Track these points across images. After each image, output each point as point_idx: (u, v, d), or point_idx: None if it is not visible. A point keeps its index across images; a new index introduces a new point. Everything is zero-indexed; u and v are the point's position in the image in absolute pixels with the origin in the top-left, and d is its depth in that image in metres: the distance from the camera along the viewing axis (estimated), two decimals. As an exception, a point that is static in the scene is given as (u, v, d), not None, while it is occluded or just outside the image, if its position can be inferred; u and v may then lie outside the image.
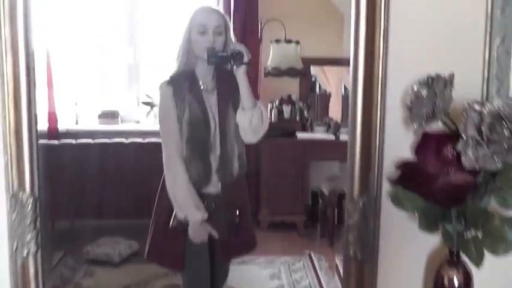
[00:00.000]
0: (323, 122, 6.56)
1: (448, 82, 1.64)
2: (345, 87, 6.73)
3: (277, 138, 5.83)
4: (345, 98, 6.80)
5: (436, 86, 1.63)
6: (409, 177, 1.71)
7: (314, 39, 6.31)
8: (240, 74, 2.76)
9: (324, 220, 6.03)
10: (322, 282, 4.99)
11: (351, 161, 1.86)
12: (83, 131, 5.48)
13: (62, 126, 5.45)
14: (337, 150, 6.12)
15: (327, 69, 6.85)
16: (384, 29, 1.80)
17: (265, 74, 6.03)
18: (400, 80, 1.85)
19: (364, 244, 1.87)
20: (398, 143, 1.87)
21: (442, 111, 1.63)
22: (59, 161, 4.70)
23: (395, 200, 1.76)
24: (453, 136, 1.65)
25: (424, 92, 1.66)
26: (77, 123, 5.77)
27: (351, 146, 1.84)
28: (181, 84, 2.87)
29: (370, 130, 1.81)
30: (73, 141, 4.82)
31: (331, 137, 6.23)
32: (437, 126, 1.72)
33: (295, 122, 6.43)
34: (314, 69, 6.73)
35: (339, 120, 6.60)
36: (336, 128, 6.37)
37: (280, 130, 6.03)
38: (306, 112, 6.48)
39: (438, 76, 1.67)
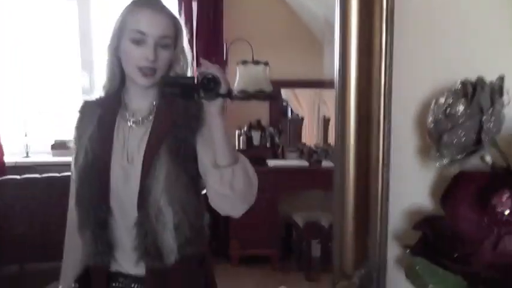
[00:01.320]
0: (296, 148, 5.97)
1: (496, 90, 0.96)
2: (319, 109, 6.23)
3: (247, 166, 5.20)
4: (323, 121, 6.27)
5: (482, 98, 0.94)
6: (435, 242, 1.02)
7: (284, 61, 5.71)
8: (214, 111, 1.63)
9: (300, 253, 5.46)
10: (301, 325, 4.34)
11: (339, 215, 1.13)
12: (34, 163, 4.82)
13: (10, 159, 4.88)
14: (311, 178, 5.61)
15: (299, 92, 6.28)
16: (387, 10, 1.08)
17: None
18: (412, 89, 1.14)
19: None
20: (411, 187, 1.18)
21: (491, 137, 0.95)
22: (3, 199, 4.08)
23: (413, 276, 1.08)
24: (506, 178, 0.97)
25: (459, 108, 0.96)
26: (27, 156, 5.11)
27: (339, 193, 1.11)
28: (93, 111, 1.95)
29: (368, 168, 1.11)
30: (17, 177, 4.11)
31: (305, 163, 5.65)
32: (473, 161, 1.03)
33: (266, 148, 5.79)
34: (285, 93, 6.15)
35: (312, 146, 6.04)
36: (309, 154, 5.82)
37: (250, 158, 5.36)
38: (277, 138, 5.85)
39: (481, 81, 0.97)
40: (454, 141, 0.98)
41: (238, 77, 5.36)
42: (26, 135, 5.11)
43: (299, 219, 5.32)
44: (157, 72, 1.81)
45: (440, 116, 1.01)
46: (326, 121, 6.24)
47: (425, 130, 1.07)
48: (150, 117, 1.88)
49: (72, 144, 1.94)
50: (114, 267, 1.93)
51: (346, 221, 1.14)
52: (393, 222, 1.18)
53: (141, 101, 1.91)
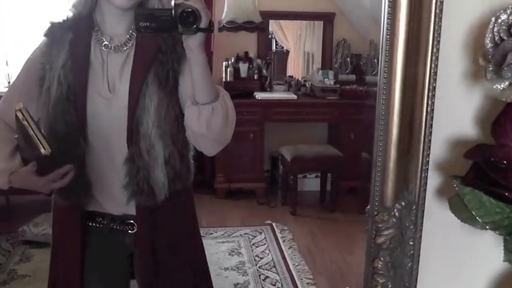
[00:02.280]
0: (283, 80, 5.87)
1: None
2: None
3: (234, 99, 5.13)
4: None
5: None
6: (489, 171, 0.96)
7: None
8: (195, 47, 1.48)
9: (285, 187, 5.44)
10: (286, 257, 4.34)
11: (382, 144, 1.05)
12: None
13: None
14: (298, 111, 5.55)
15: (284, 24, 6.15)
16: None
17: (219, 29, 5.22)
18: (463, 9, 1.05)
19: (400, 275, 1.12)
20: (455, 115, 1.10)
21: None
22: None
23: (458, 209, 1.01)
24: None
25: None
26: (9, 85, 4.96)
27: (383, 121, 1.04)
28: (63, 35, 1.73)
29: (414, 94, 1.03)
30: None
31: (293, 96, 5.58)
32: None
33: (253, 81, 5.67)
34: (270, 25, 6.00)
35: (300, 78, 5.96)
36: (297, 87, 5.75)
37: (237, 90, 5.28)
38: (264, 70, 5.74)
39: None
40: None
41: (227, 7, 5.17)
42: (7, 65, 4.95)
43: (286, 153, 5.27)
44: None
45: (502, 34, 0.93)
46: (309, 55, 6.18)
47: (480, 52, 0.99)
48: (130, 43, 1.72)
49: (28, 67, 1.77)
50: (91, 207, 1.81)
51: (389, 150, 1.07)
52: (434, 152, 1.11)
53: (118, 24, 1.72)
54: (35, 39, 1.83)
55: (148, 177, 1.68)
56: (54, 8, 4.92)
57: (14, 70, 4.99)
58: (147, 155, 1.67)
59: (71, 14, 1.75)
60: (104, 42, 1.72)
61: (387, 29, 1.01)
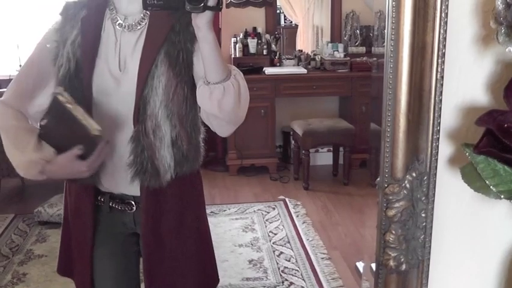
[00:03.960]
0: (293, 55, 5.82)
1: None
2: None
3: (243, 75, 5.13)
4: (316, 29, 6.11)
5: None
6: (502, 138, 0.92)
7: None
8: (202, 25, 1.45)
9: (298, 162, 5.42)
10: (300, 232, 4.33)
11: (391, 113, 1.01)
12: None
13: (3, 72, 4.78)
14: (308, 85, 5.51)
15: (293, -2, 6.09)
16: None
17: (227, 5, 5.18)
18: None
19: (412, 247, 1.09)
20: (464, 80, 1.06)
21: None
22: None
23: (472, 178, 0.98)
24: None
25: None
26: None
27: (391, 89, 1.00)
28: (77, 13, 1.71)
29: (423, 59, 0.99)
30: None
31: (303, 70, 5.53)
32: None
33: (263, 56, 5.62)
34: (279, 0, 5.93)
35: (309, 52, 5.91)
36: (307, 61, 5.69)
37: (246, 66, 5.24)
38: (273, 45, 5.68)
39: None
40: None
41: (234, -18, 5.13)
42: (18, 47, 4.94)
43: (297, 127, 5.24)
44: None
45: (512, -4, 0.88)
46: (318, 28, 6.11)
47: (491, 14, 0.95)
48: (144, 22, 1.69)
49: (49, 45, 1.71)
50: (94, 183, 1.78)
51: (398, 120, 1.03)
52: (445, 120, 1.07)
53: (133, 3, 1.67)
54: (46, 22, 1.79)
55: (153, 157, 1.66)
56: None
57: (25, 53, 5.00)
58: (153, 134, 1.65)
59: None
60: (118, 21, 1.70)
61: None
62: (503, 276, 1.15)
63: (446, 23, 1.00)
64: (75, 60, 1.66)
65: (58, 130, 1.64)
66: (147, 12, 1.68)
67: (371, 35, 5.79)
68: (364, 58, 5.57)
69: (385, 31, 1.01)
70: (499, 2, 0.92)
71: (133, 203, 1.79)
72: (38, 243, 4.19)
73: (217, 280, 1.96)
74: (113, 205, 1.80)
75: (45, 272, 3.71)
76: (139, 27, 1.69)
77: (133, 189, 1.74)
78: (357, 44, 5.81)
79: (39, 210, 4.44)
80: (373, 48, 5.56)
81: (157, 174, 1.68)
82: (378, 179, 1.10)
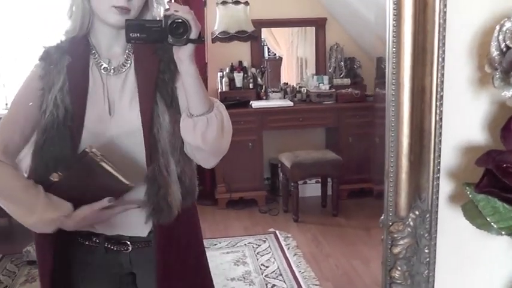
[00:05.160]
0: (279, 88, 5.89)
1: None
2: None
3: (230, 109, 5.15)
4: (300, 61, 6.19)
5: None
6: (502, 178, 0.96)
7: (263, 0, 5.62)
8: (185, 58, 1.49)
9: (287, 194, 5.45)
10: (292, 264, 4.34)
11: (393, 154, 1.05)
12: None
13: None
14: (295, 117, 5.56)
15: (276, 31, 6.17)
16: None
17: (212, 40, 5.24)
18: (468, 16, 1.06)
19: (417, 282, 1.13)
20: (462, 121, 1.11)
21: None
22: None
23: (473, 215, 1.02)
24: None
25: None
26: (6, 108, 4.99)
27: (394, 131, 1.04)
28: (62, 58, 1.69)
29: (422, 102, 1.03)
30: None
31: (289, 103, 5.59)
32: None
33: (249, 90, 5.68)
34: (262, 33, 6.01)
35: (294, 85, 5.98)
36: (293, 94, 5.77)
37: (233, 100, 5.30)
38: (259, 79, 5.75)
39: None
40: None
41: (219, 18, 5.19)
42: (4, 86, 4.96)
43: (285, 160, 5.28)
44: (131, 13, 1.61)
45: (508, 42, 0.94)
46: (303, 60, 6.20)
47: (486, 59, 1.00)
48: (128, 63, 1.71)
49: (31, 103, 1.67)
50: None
51: (400, 160, 1.07)
52: (445, 159, 1.12)
53: (114, 45, 1.71)
54: (30, 61, 1.78)
55: (167, 194, 1.66)
56: (49, 29, 4.93)
57: (11, 92, 5.02)
58: (166, 171, 1.66)
59: (64, 38, 1.73)
60: (102, 65, 1.70)
61: (393, 42, 1.02)
62: (505, 309, 1.19)
63: (443, 67, 1.06)
64: (63, 107, 1.65)
65: (79, 184, 1.63)
66: (130, 52, 1.71)
67: (355, 66, 5.88)
68: (349, 89, 5.64)
69: (386, 77, 1.06)
70: (493, 49, 0.97)
71: (128, 243, 1.79)
72: (28, 284, 4.13)
73: None
74: (109, 246, 1.79)
75: (36, 313, 3.68)
76: (124, 70, 1.71)
77: (134, 230, 1.76)
78: (341, 75, 5.88)
79: (28, 250, 4.39)
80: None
81: (170, 210, 1.68)
82: (382, 217, 1.14)
